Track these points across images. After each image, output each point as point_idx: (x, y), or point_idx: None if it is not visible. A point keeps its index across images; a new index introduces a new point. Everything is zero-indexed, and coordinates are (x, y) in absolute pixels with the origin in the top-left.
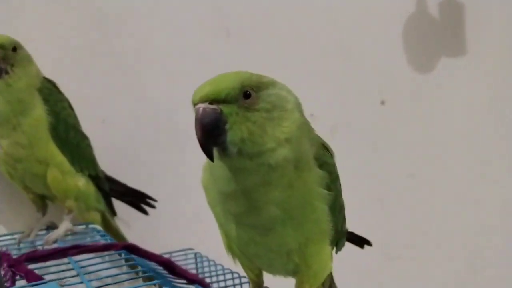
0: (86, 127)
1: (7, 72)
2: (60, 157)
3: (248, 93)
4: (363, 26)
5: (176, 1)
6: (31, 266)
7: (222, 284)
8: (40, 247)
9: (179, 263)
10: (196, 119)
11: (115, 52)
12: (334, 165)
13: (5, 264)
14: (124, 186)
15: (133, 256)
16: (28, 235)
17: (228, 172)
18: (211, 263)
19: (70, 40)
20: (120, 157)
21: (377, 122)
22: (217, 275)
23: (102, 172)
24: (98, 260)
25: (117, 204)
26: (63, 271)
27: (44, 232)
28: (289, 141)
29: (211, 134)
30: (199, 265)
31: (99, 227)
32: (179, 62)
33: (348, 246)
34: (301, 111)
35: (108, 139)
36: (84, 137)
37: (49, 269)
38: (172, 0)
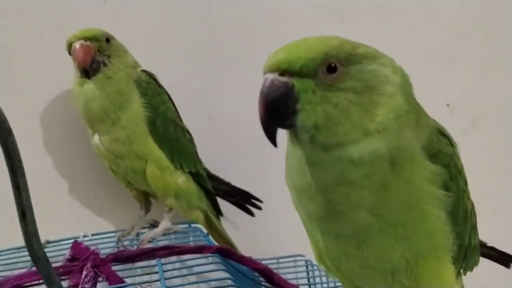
0: (192, 123)
1: (105, 64)
2: (158, 153)
3: (333, 66)
4: None
5: None
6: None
7: None
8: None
9: (287, 270)
10: (261, 92)
11: (223, 47)
12: (453, 156)
13: (89, 264)
14: (228, 185)
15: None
16: (129, 233)
17: (301, 162)
18: (324, 273)
19: (178, 37)
20: (225, 155)
21: None
22: (328, 287)
23: (205, 170)
24: (195, 262)
25: (225, 204)
26: (147, 274)
27: (146, 230)
28: (383, 133)
29: (276, 114)
30: (310, 274)
31: (202, 227)
32: None
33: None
34: (408, 96)
35: (214, 136)
36: (185, 133)
37: (137, 271)
38: None
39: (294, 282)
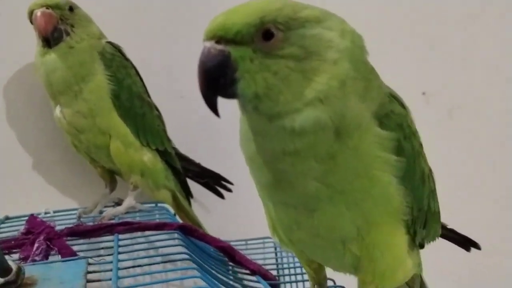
0: (164, 103)
1: (67, 34)
2: (123, 128)
3: (270, 32)
4: None
5: None
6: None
7: (301, 278)
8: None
9: (255, 251)
10: (198, 62)
11: (198, 22)
12: (406, 117)
13: (41, 237)
14: (198, 166)
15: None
16: (91, 211)
17: (249, 130)
18: (292, 254)
19: (150, 11)
20: (196, 136)
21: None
22: (295, 268)
23: (174, 148)
24: (156, 238)
25: (195, 186)
26: (103, 248)
27: (110, 208)
28: (325, 101)
29: (214, 83)
30: (278, 255)
31: (169, 207)
32: None
33: None
34: (356, 62)
35: (186, 116)
36: (153, 109)
37: (100, 245)
38: None
39: (261, 262)
